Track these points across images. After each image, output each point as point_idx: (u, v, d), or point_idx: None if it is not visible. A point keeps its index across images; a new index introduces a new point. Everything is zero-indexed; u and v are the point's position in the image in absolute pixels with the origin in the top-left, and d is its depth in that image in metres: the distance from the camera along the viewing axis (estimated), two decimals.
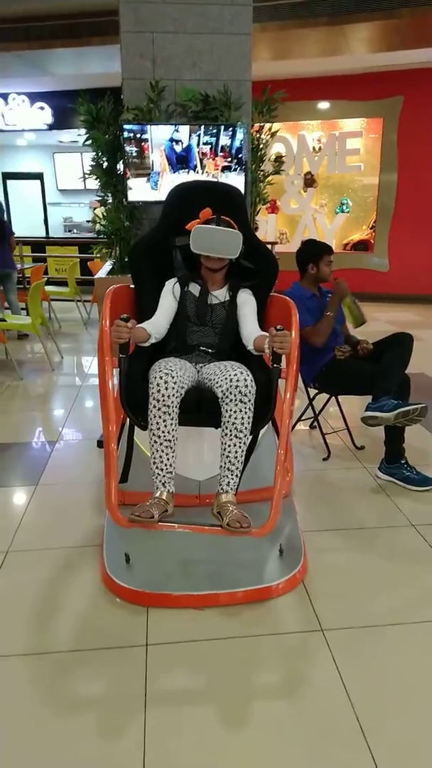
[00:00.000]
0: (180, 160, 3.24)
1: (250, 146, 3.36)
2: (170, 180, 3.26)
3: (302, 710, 1.56)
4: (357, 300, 3.00)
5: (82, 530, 2.45)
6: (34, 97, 9.00)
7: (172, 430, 1.84)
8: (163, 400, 1.81)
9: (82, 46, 6.63)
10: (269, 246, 7.06)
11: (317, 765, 1.41)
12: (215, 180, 3.16)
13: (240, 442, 1.86)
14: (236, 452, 1.86)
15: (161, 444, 1.84)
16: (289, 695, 1.61)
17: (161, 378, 1.81)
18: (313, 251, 2.97)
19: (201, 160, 3.25)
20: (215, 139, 3.23)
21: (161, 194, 3.21)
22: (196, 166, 3.26)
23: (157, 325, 2.09)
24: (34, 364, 5.24)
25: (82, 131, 3.47)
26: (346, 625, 1.87)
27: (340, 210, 8.40)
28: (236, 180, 3.29)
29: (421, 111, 7.61)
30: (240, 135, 3.24)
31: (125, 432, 2.52)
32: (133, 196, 3.31)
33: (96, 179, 3.51)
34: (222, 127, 3.23)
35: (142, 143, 3.20)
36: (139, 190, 3.28)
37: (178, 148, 3.22)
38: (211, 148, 3.24)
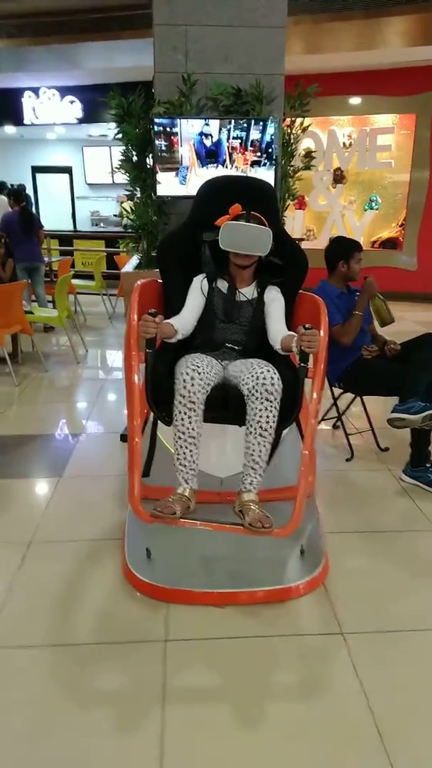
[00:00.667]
0: (209, 155, 3.22)
1: (280, 141, 3.32)
2: (199, 175, 3.24)
3: (320, 714, 1.54)
4: (385, 299, 2.95)
5: (104, 523, 2.46)
6: (64, 91, 9.06)
7: (197, 426, 1.83)
8: (189, 396, 1.80)
9: (113, 39, 6.64)
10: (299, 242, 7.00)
11: None
12: (246, 175, 3.12)
13: (264, 441, 1.84)
14: (260, 451, 1.84)
15: (185, 440, 1.83)
16: (307, 698, 1.60)
17: (187, 374, 1.81)
18: (344, 248, 2.92)
19: (230, 155, 3.22)
20: (245, 133, 3.20)
21: (189, 189, 3.20)
22: (225, 161, 3.23)
23: (184, 322, 2.08)
24: (60, 357, 5.29)
25: (112, 125, 3.47)
26: (367, 629, 1.85)
27: (369, 207, 8.27)
28: (266, 175, 3.25)
29: None
30: (271, 129, 3.20)
31: (148, 426, 2.53)
32: (161, 190, 3.30)
33: (125, 173, 3.51)
34: (252, 122, 3.19)
35: (172, 137, 3.18)
36: (167, 185, 3.27)
37: (207, 143, 3.20)
38: (241, 143, 3.21)
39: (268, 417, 1.83)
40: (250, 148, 3.21)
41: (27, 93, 9.13)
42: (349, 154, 8.14)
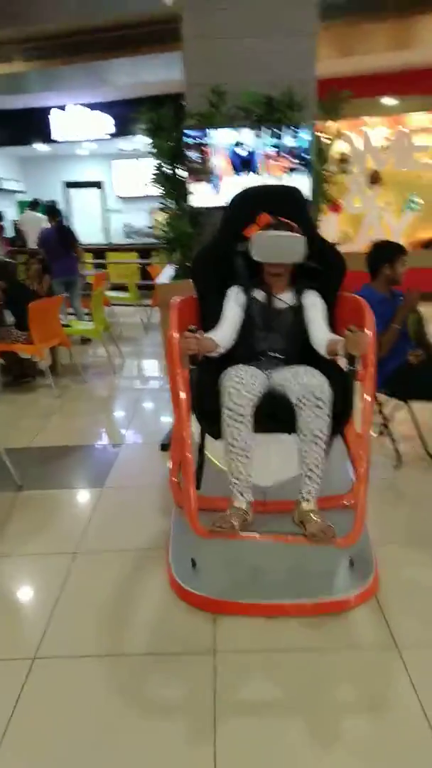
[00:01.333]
0: (244, 164, 3.22)
1: (315, 147, 3.30)
2: (232, 183, 3.24)
3: (377, 731, 1.49)
4: (423, 318, 2.88)
5: (148, 533, 2.46)
6: (94, 107, 9.25)
7: (248, 438, 1.81)
8: (236, 409, 1.79)
9: (141, 54, 6.75)
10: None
11: None
12: (274, 183, 3.10)
13: (319, 449, 1.81)
14: (316, 459, 1.81)
15: (237, 453, 1.81)
16: (362, 714, 1.55)
17: (233, 387, 1.79)
18: (387, 251, 2.87)
19: (266, 163, 3.21)
20: (279, 140, 3.19)
21: (223, 198, 3.20)
22: (258, 169, 3.23)
23: (223, 335, 2.07)
24: (97, 368, 5.36)
25: (141, 138, 3.51)
26: (424, 644, 1.78)
27: (408, 207, 8.12)
28: (302, 181, 3.23)
29: None
30: (305, 136, 3.18)
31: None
32: (195, 201, 3.32)
33: (160, 187, 3.54)
34: (286, 129, 3.18)
35: (204, 147, 3.20)
36: (201, 195, 3.28)
37: (242, 152, 3.20)
38: (276, 151, 3.20)
39: (320, 424, 1.80)
40: (285, 155, 3.20)
41: (56, 110, 9.35)
42: (387, 156, 8.02)
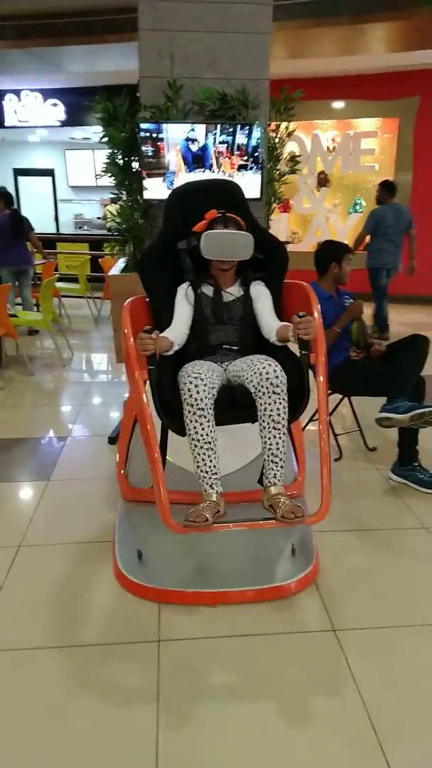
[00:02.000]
0: (196, 160, 3.23)
1: (266, 145, 3.35)
2: (186, 179, 3.24)
3: (314, 710, 1.56)
4: (366, 328, 3.00)
5: (94, 526, 2.46)
6: (47, 94, 9.02)
7: (210, 432, 1.83)
8: (197, 404, 1.81)
9: (97, 43, 6.63)
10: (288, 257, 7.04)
11: None
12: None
13: (279, 434, 1.86)
14: (277, 444, 1.86)
15: (202, 447, 1.83)
16: (300, 695, 1.61)
17: (191, 383, 1.81)
18: (335, 251, 2.96)
19: (217, 159, 3.24)
20: (231, 138, 3.22)
21: None
22: (212, 165, 3.25)
23: (177, 332, 2.09)
24: (45, 360, 5.26)
25: (96, 128, 3.46)
26: (358, 626, 1.87)
27: (353, 210, 8.36)
28: (252, 179, 3.28)
29: None
30: (257, 134, 3.22)
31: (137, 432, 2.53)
32: (148, 195, 3.31)
33: (111, 177, 3.51)
34: (238, 126, 3.21)
35: (158, 142, 3.19)
36: (154, 190, 3.27)
37: (194, 148, 3.21)
38: (227, 147, 3.23)
39: (278, 410, 1.84)
40: (236, 152, 3.23)
41: (8, 95, 9.09)
42: (333, 158, 8.23)
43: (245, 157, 3.24)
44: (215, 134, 3.20)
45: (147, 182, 3.25)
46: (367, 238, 5.87)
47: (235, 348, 2.11)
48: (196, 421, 1.82)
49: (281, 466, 1.86)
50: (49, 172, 11.40)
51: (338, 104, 7.99)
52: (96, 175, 10.38)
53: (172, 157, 3.20)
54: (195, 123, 3.20)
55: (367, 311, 3.17)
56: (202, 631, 1.84)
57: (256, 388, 1.85)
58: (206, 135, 3.20)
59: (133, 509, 2.44)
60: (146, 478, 2.52)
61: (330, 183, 8.35)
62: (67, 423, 3.72)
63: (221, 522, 1.77)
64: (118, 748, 1.45)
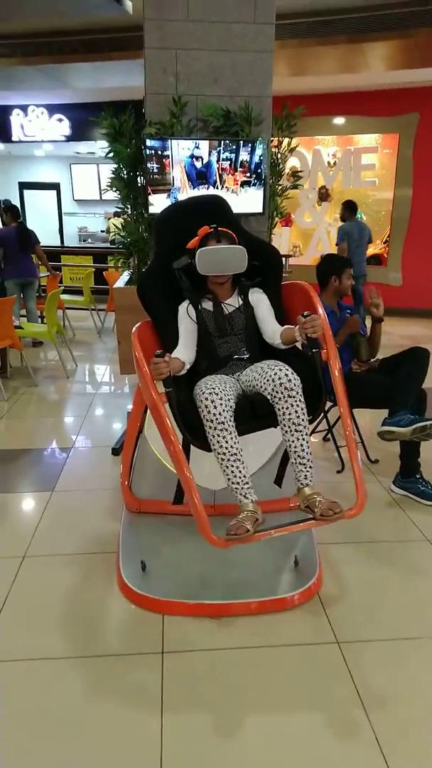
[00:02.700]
0: (199, 176, 3.29)
1: (269, 161, 3.40)
2: (190, 195, 3.30)
3: (318, 723, 1.56)
4: (367, 339, 3.03)
5: (98, 537, 2.47)
6: (52, 109, 9.16)
7: (234, 444, 1.85)
8: (217, 419, 1.83)
9: (102, 60, 6.75)
10: (282, 259, 7.12)
11: None
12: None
13: (301, 435, 1.88)
14: (302, 445, 1.88)
15: (228, 460, 1.84)
16: (304, 707, 1.61)
17: (207, 399, 1.83)
18: (335, 264, 3.01)
19: (220, 176, 3.29)
20: (235, 154, 3.28)
21: None
22: (215, 182, 3.30)
23: (186, 351, 2.11)
24: (49, 372, 5.29)
25: (101, 143, 3.51)
26: (362, 639, 1.88)
27: None
28: (255, 194, 3.33)
29: None
30: (259, 150, 3.28)
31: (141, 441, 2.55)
32: (153, 210, 3.36)
33: (116, 191, 3.56)
34: (242, 143, 3.27)
35: (164, 159, 3.25)
36: (159, 205, 3.32)
37: (198, 164, 3.27)
38: (230, 164, 3.28)
39: (296, 412, 1.86)
40: (239, 168, 3.29)
41: (15, 110, 9.23)
42: (334, 173, 8.32)
43: (248, 174, 3.30)
44: (219, 151, 3.26)
45: (152, 198, 3.30)
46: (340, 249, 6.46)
47: (244, 357, 2.13)
48: (219, 435, 1.84)
49: (310, 466, 1.88)
50: (54, 186, 11.52)
51: (339, 120, 8.10)
52: (101, 189, 10.55)
53: (177, 174, 3.26)
54: (199, 139, 3.26)
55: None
56: (206, 643, 1.85)
57: (271, 395, 1.87)
58: (210, 152, 3.26)
59: (136, 520, 2.46)
60: (150, 490, 2.54)
61: (331, 197, 8.43)
62: (70, 434, 3.74)
63: (261, 530, 1.77)
64: (122, 760, 1.45)
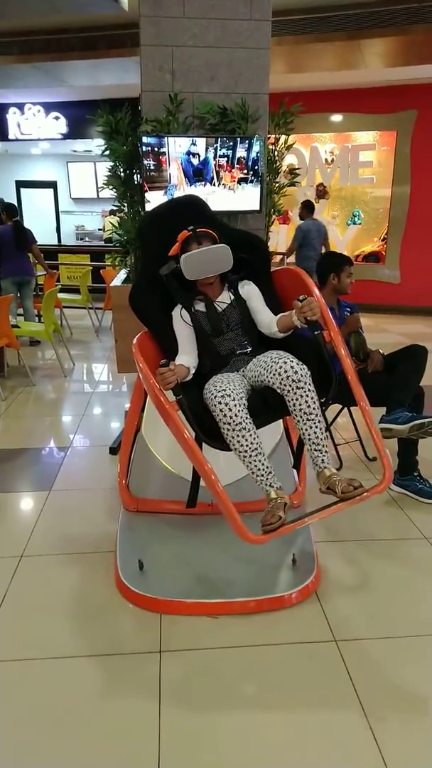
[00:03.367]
0: (196, 173, 3.27)
1: (266, 158, 3.39)
2: (187, 193, 3.28)
3: (314, 722, 1.56)
4: (364, 338, 3.03)
5: (96, 536, 2.46)
6: (49, 107, 9.13)
7: (254, 439, 1.85)
8: (233, 420, 1.82)
9: (99, 58, 6.73)
10: (280, 256, 7.14)
11: None
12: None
13: (314, 423, 1.87)
14: (316, 432, 1.88)
15: (250, 456, 1.84)
16: (301, 706, 1.61)
17: (220, 402, 1.82)
18: (334, 262, 3.00)
19: (217, 173, 3.28)
20: (232, 151, 3.27)
21: None
22: (212, 179, 3.29)
23: (189, 356, 2.10)
24: (47, 371, 5.28)
25: (98, 141, 3.49)
26: (360, 637, 1.87)
27: (352, 222, 8.43)
28: (252, 192, 3.32)
29: None
30: (256, 147, 3.27)
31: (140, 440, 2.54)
32: (150, 207, 3.34)
33: (112, 189, 3.55)
34: (239, 140, 3.26)
35: (160, 156, 3.23)
36: (156, 202, 3.31)
37: (194, 161, 3.25)
38: (227, 161, 3.27)
39: (307, 401, 1.85)
40: (236, 165, 3.28)
41: (12, 109, 9.20)
42: (332, 170, 8.31)
43: (245, 170, 3.28)
44: (216, 148, 3.24)
45: (148, 195, 3.29)
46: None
47: (247, 351, 2.11)
48: (238, 435, 1.83)
49: (326, 451, 1.90)
50: (51, 184, 11.50)
51: (336, 117, 8.09)
52: (98, 188, 10.51)
53: (174, 171, 3.24)
54: (195, 137, 3.25)
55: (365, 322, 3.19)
56: (204, 642, 1.84)
57: (280, 388, 1.87)
58: (207, 149, 3.24)
59: (134, 519, 2.45)
60: (147, 489, 2.53)
61: (329, 195, 8.42)
62: (68, 433, 3.73)
63: (294, 520, 1.78)
64: (120, 758, 1.45)
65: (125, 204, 3.54)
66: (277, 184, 3.57)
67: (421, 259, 8.10)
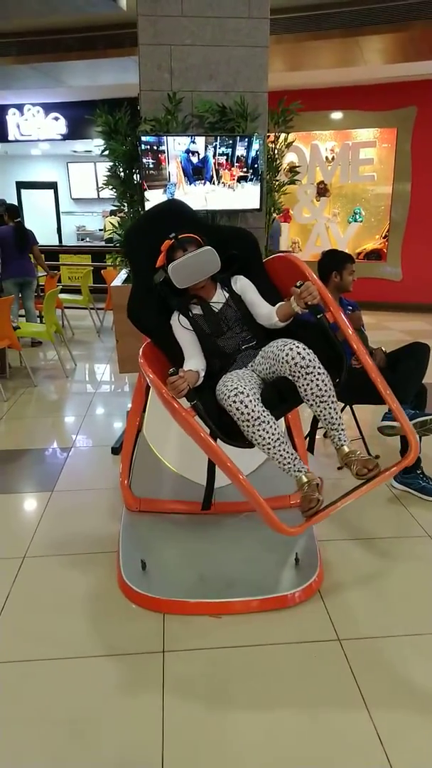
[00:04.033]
0: (196, 172, 3.27)
1: (265, 157, 3.38)
2: (186, 192, 3.28)
3: (318, 721, 1.55)
4: (366, 336, 3.02)
5: (98, 536, 2.46)
6: (48, 108, 9.13)
7: (275, 431, 1.85)
8: (252, 416, 1.81)
9: (97, 58, 6.72)
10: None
11: None
12: (154, 205, 3.03)
13: (328, 405, 1.88)
14: (330, 413, 1.88)
15: (273, 447, 1.85)
16: (306, 705, 1.61)
17: (236, 400, 1.81)
18: (336, 260, 2.99)
19: (217, 171, 3.27)
20: (231, 150, 3.26)
21: None
22: (212, 177, 3.28)
23: (196, 360, 2.08)
24: (48, 371, 5.28)
25: (97, 141, 3.49)
26: (364, 636, 1.87)
27: (353, 219, 8.41)
28: (252, 190, 3.31)
29: None
30: (256, 146, 3.26)
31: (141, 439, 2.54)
32: (149, 206, 3.34)
33: (112, 189, 3.54)
34: (238, 138, 3.25)
35: (159, 155, 3.23)
36: (155, 201, 3.30)
37: (194, 160, 3.25)
38: (227, 159, 3.26)
39: (318, 385, 1.85)
40: (236, 164, 3.27)
41: (11, 110, 9.20)
42: (332, 168, 8.29)
43: (245, 169, 3.28)
44: (215, 146, 3.24)
45: (148, 194, 3.28)
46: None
47: (252, 344, 2.10)
48: (259, 429, 1.83)
49: (343, 429, 1.91)
50: (51, 185, 11.50)
51: (336, 115, 8.06)
52: (99, 188, 10.52)
53: (173, 170, 3.24)
54: (195, 135, 3.24)
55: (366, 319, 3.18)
56: (207, 642, 1.84)
57: (291, 375, 1.86)
58: (206, 147, 3.24)
59: (136, 519, 2.45)
60: (150, 489, 2.53)
61: (329, 193, 8.40)
62: (70, 434, 3.73)
63: (329, 505, 1.80)
64: (123, 759, 1.45)
65: (125, 204, 3.54)
66: (277, 182, 3.56)
67: (422, 256, 8.07)
